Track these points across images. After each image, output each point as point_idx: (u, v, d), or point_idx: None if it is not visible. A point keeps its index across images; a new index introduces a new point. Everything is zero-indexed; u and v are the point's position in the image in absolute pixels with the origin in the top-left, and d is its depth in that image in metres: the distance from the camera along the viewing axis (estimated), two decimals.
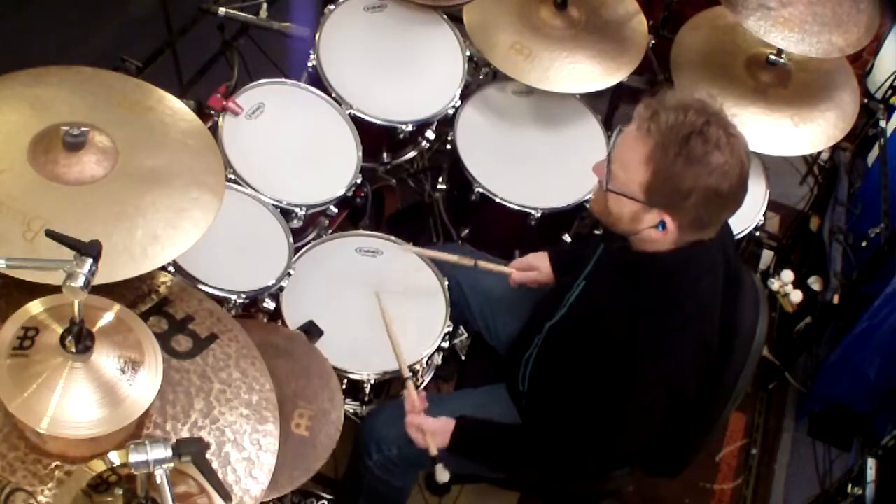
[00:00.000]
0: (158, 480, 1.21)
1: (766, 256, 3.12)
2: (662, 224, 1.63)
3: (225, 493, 1.31)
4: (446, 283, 2.23)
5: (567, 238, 2.56)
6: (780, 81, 2.53)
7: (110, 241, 1.50)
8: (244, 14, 2.69)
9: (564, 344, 1.87)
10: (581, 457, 1.81)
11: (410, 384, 1.99)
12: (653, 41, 2.61)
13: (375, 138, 2.46)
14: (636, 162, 1.60)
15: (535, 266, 2.14)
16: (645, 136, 1.58)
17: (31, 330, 1.37)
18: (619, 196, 1.65)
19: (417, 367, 2.11)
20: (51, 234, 1.32)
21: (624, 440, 1.77)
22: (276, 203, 2.17)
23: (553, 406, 1.87)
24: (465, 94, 2.56)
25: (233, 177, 2.15)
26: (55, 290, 1.32)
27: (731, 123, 1.60)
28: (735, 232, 2.44)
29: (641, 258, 1.71)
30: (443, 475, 1.86)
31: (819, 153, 2.91)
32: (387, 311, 2.13)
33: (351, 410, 2.12)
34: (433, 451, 1.87)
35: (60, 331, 1.36)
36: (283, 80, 2.38)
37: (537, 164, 2.54)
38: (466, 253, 2.23)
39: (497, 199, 2.41)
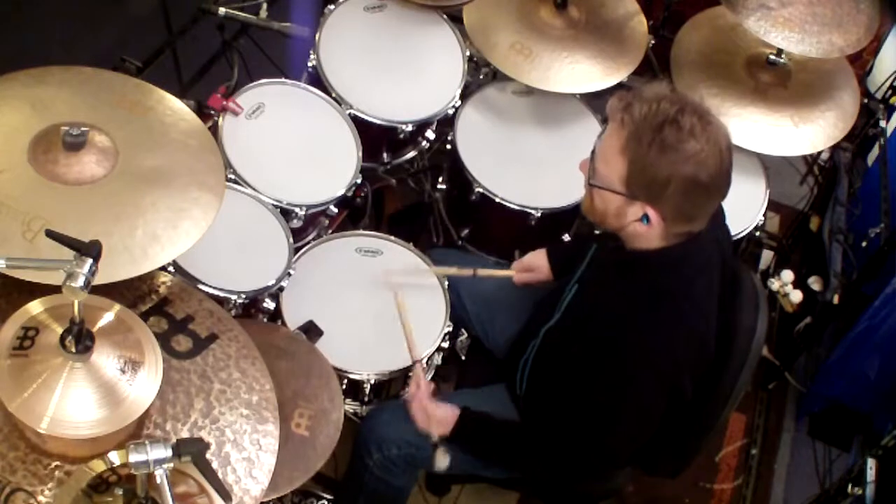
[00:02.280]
0: (158, 480, 1.21)
1: (766, 256, 3.12)
2: (646, 217, 1.63)
3: (225, 493, 1.31)
4: (446, 283, 2.23)
5: (567, 238, 2.56)
6: (780, 81, 2.53)
7: (110, 241, 1.50)
8: (244, 14, 2.69)
9: (560, 347, 1.87)
10: (580, 457, 1.81)
11: (419, 367, 1.99)
12: (653, 41, 2.61)
13: (375, 138, 2.46)
14: (613, 154, 1.61)
15: (533, 266, 2.14)
16: (619, 127, 1.60)
17: (31, 330, 1.37)
18: (602, 191, 1.67)
19: (418, 366, 2.11)
20: (51, 234, 1.32)
21: (622, 439, 1.77)
22: (276, 203, 2.17)
23: (551, 408, 1.87)
24: (465, 94, 2.56)
25: (233, 177, 2.15)
26: (55, 290, 1.32)
27: (707, 111, 1.60)
28: (735, 232, 2.45)
29: (634, 256, 1.71)
30: (442, 461, 1.85)
31: (819, 153, 2.91)
32: (401, 301, 2.14)
33: (351, 410, 2.12)
34: (434, 438, 1.87)
35: (60, 331, 1.36)
36: (283, 80, 2.39)
37: (537, 164, 2.54)
38: (468, 257, 2.23)
39: (497, 199, 2.41)
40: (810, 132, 2.48)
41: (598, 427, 1.75)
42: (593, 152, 1.70)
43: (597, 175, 1.68)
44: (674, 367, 1.68)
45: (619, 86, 2.54)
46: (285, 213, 2.18)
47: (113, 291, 1.54)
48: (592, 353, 1.72)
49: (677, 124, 1.55)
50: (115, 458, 1.29)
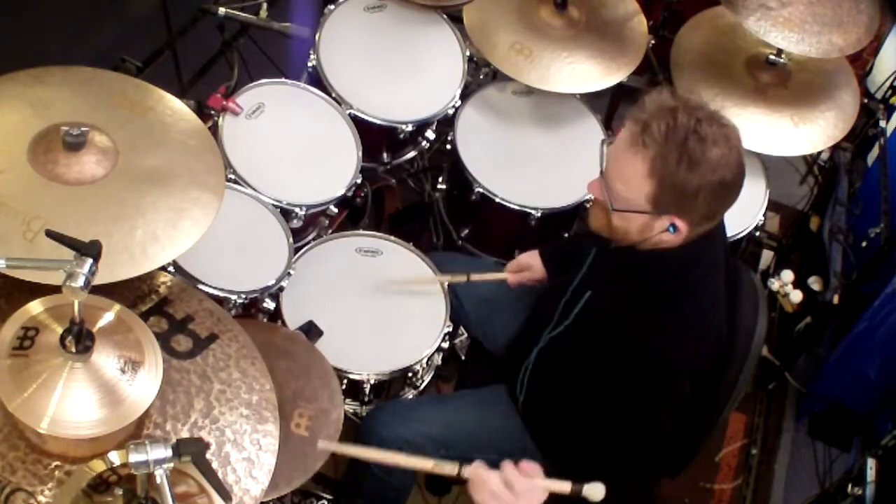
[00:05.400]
0: (158, 480, 1.21)
1: (766, 256, 3.12)
2: (673, 226, 1.63)
3: (225, 493, 1.31)
4: (446, 283, 2.23)
5: (566, 235, 2.56)
6: (780, 81, 2.53)
7: (110, 241, 1.50)
8: (244, 14, 2.69)
9: (572, 353, 1.84)
10: (632, 459, 1.80)
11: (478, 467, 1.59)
12: (653, 41, 2.61)
13: (375, 138, 2.46)
14: (638, 178, 1.59)
15: (527, 266, 2.14)
16: (642, 150, 1.57)
17: (31, 330, 1.37)
18: (625, 213, 1.65)
19: (417, 367, 2.11)
20: (51, 234, 1.32)
21: (665, 433, 1.77)
22: (276, 203, 2.17)
23: (564, 413, 1.87)
24: (465, 94, 2.56)
25: (233, 177, 2.15)
26: (55, 290, 1.32)
27: (718, 114, 1.60)
28: (735, 232, 2.45)
29: (649, 257, 1.70)
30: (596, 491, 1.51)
31: (819, 153, 2.91)
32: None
33: (351, 411, 2.12)
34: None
35: (60, 331, 1.36)
36: (283, 80, 2.38)
37: (537, 164, 2.54)
38: (466, 260, 2.23)
39: (497, 199, 2.41)
40: (810, 132, 2.48)
41: (641, 427, 1.74)
42: (605, 175, 1.66)
43: (618, 199, 1.64)
44: (698, 360, 1.70)
45: (620, 86, 2.55)
46: (285, 213, 2.18)
47: (113, 291, 1.54)
48: (617, 357, 1.71)
49: (698, 135, 1.55)
50: (115, 458, 1.29)
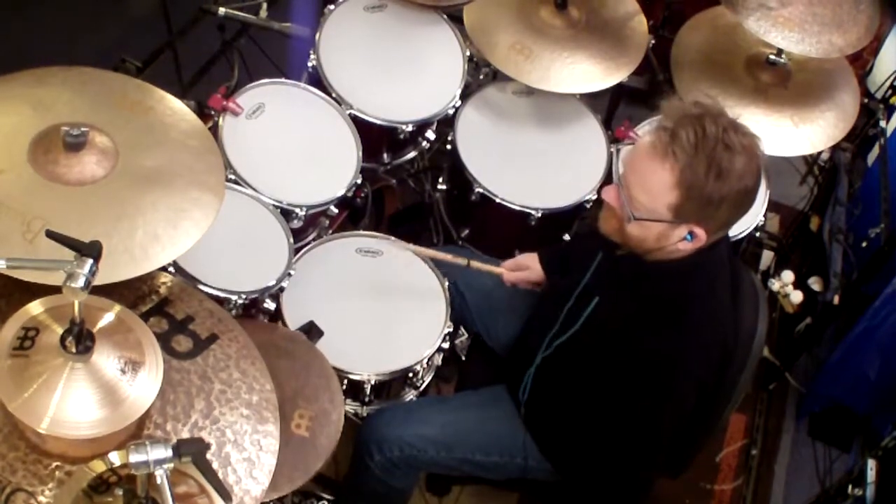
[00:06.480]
0: (159, 481, 1.21)
1: (766, 257, 3.12)
2: (691, 234, 1.62)
3: (225, 494, 1.31)
4: (446, 283, 2.23)
5: (567, 238, 2.56)
6: (780, 81, 2.53)
7: (110, 242, 1.50)
8: (244, 14, 2.69)
9: (581, 359, 1.85)
10: (630, 464, 1.82)
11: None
12: (653, 41, 2.61)
13: (375, 138, 2.46)
14: (664, 187, 1.58)
15: (526, 266, 2.14)
16: (671, 159, 1.56)
17: (32, 330, 1.37)
18: (644, 221, 1.64)
19: (418, 367, 2.11)
20: (51, 235, 1.32)
21: (665, 441, 1.79)
22: (276, 203, 2.17)
23: (567, 415, 1.87)
24: (465, 94, 2.56)
25: (233, 177, 2.15)
26: (55, 290, 1.32)
27: (739, 123, 1.60)
28: (735, 232, 2.44)
29: (658, 267, 1.70)
30: None
31: (819, 153, 2.91)
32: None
33: (351, 411, 2.12)
34: None
35: (61, 331, 1.36)
36: (283, 80, 2.38)
37: (537, 164, 2.54)
38: (464, 254, 2.23)
39: (497, 200, 2.41)
40: (810, 132, 2.47)
41: (644, 432, 1.76)
42: (622, 182, 1.65)
43: (639, 207, 1.63)
44: (706, 366, 1.70)
45: (620, 86, 2.54)
46: (285, 214, 2.18)
47: (113, 292, 1.54)
48: (626, 365, 1.71)
49: (724, 144, 1.55)
50: (115, 458, 1.29)
